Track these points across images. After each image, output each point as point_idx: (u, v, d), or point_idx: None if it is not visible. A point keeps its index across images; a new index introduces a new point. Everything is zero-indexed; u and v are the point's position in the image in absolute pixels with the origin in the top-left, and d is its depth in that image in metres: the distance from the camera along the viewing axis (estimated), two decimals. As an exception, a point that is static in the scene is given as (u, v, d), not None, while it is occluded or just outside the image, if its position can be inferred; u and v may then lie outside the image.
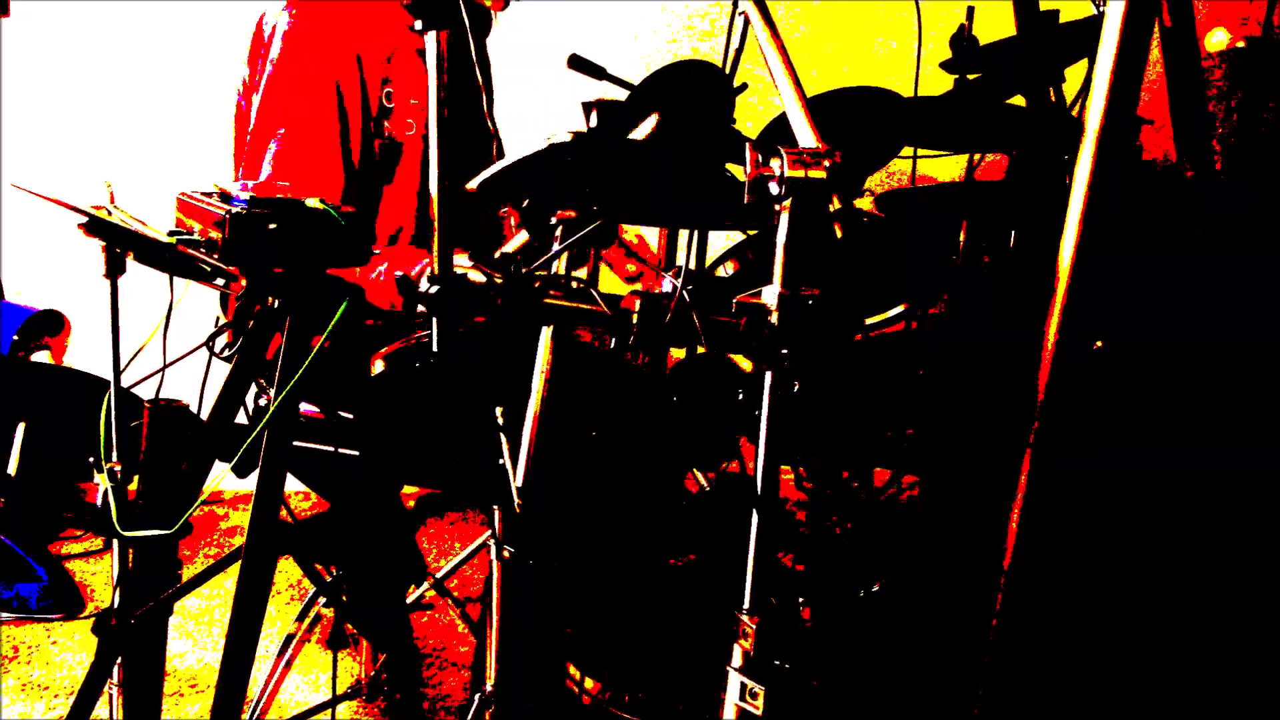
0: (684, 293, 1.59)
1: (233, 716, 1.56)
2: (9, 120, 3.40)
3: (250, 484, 1.53)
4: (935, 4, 2.39)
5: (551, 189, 1.75)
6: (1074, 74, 2.27)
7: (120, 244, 1.58)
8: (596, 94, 2.09)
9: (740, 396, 1.73)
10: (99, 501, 1.60)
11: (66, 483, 2.92)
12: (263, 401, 1.93)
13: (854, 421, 2.01)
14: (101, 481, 1.60)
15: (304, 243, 1.45)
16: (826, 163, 1.32)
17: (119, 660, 1.66)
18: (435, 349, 1.53)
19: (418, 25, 1.52)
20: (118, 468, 1.61)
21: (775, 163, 1.32)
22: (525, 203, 1.77)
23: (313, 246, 1.46)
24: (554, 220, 1.81)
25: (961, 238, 2.20)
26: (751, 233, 2.21)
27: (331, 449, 1.76)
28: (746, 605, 1.35)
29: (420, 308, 1.53)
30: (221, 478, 1.56)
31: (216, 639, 2.79)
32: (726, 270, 2.17)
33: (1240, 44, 3.05)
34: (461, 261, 1.64)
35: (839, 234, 1.45)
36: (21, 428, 2.21)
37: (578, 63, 2.38)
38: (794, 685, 1.38)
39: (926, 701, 1.81)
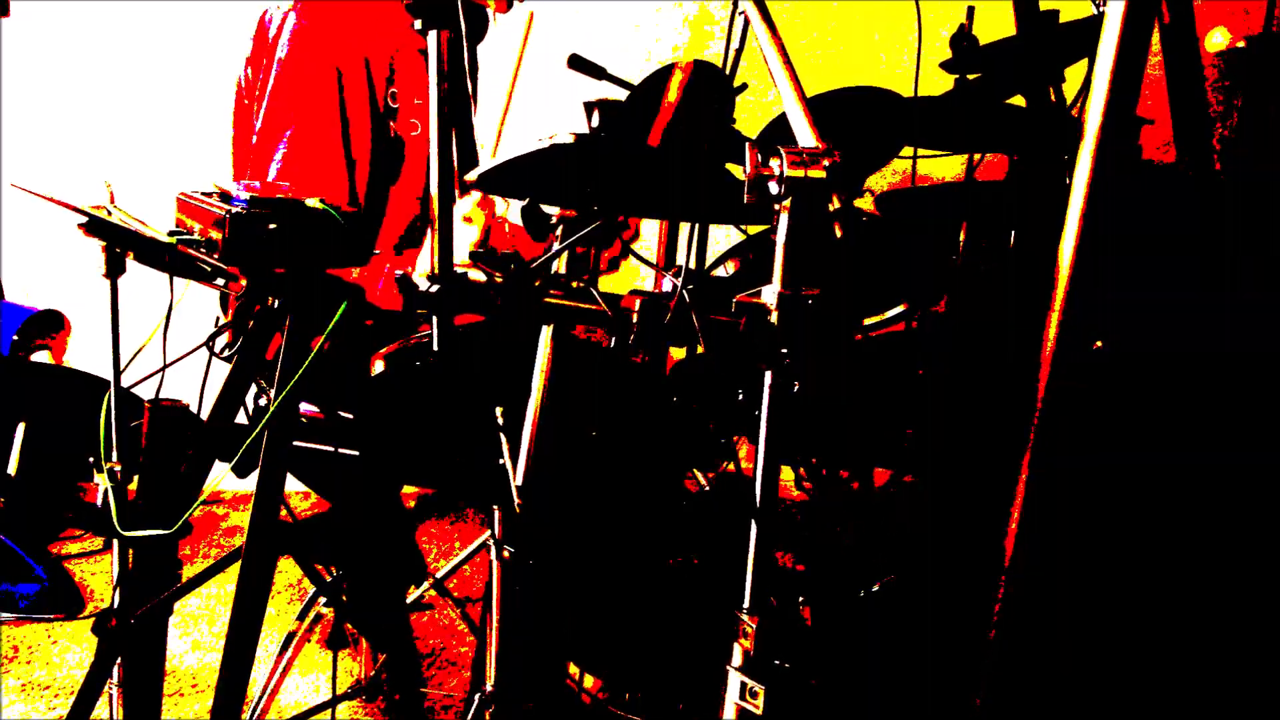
0: (684, 293, 1.59)
1: (233, 716, 1.56)
2: (9, 120, 3.40)
3: (250, 484, 1.53)
4: (935, 4, 2.40)
5: (552, 188, 1.75)
6: (1074, 74, 2.27)
7: (120, 244, 1.58)
8: (597, 94, 2.09)
9: (740, 396, 1.73)
10: (99, 501, 1.60)
11: (66, 483, 2.93)
12: (263, 401, 1.93)
13: (854, 421, 2.01)
14: (101, 481, 1.60)
15: (304, 243, 1.45)
16: (826, 162, 1.32)
17: (119, 660, 1.66)
18: (435, 349, 1.52)
19: (418, 24, 1.52)
20: (118, 468, 1.61)
21: (775, 162, 1.32)
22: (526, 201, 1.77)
23: (313, 246, 1.46)
24: (554, 219, 1.81)
25: (961, 238, 2.20)
26: (752, 231, 2.21)
27: (331, 449, 1.76)
28: (746, 605, 1.35)
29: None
30: (221, 478, 1.56)
31: (216, 639, 2.79)
32: (726, 270, 2.17)
33: (1240, 44, 3.05)
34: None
35: (839, 234, 1.45)
36: (21, 428, 2.21)
37: (578, 63, 2.38)
38: (794, 685, 1.38)
39: (926, 701, 1.81)
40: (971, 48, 2.45)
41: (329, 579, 2.00)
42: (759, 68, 1.55)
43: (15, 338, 3.11)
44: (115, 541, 1.68)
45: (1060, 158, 2.14)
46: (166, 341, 1.60)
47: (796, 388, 1.36)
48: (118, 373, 1.62)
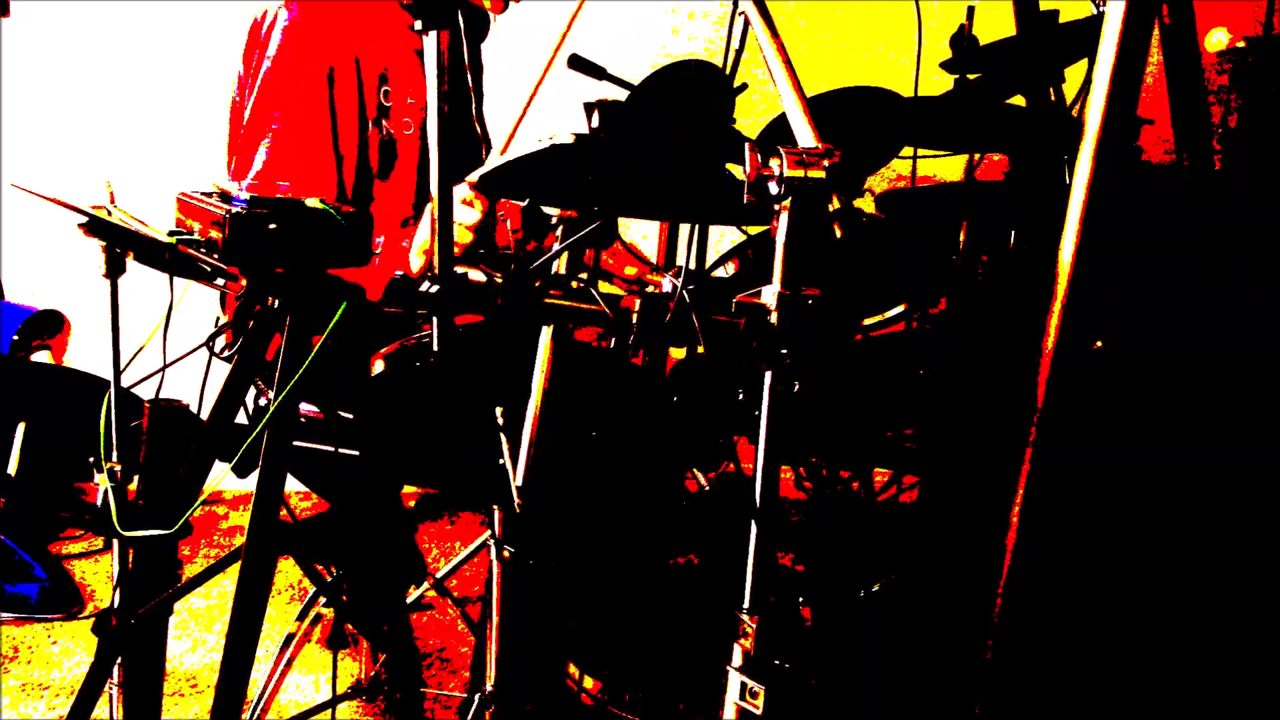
0: (684, 293, 1.59)
1: (233, 716, 1.56)
2: (9, 120, 3.40)
3: (250, 484, 1.53)
4: (935, 4, 2.40)
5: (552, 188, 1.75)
6: (1074, 74, 2.27)
7: (120, 244, 1.58)
8: (597, 94, 2.09)
9: (740, 396, 1.73)
10: (99, 501, 1.60)
11: (66, 483, 2.93)
12: (263, 401, 1.93)
13: (854, 421, 2.01)
14: (101, 481, 1.60)
15: (304, 243, 1.45)
16: (826, 163, 1.32)
17: (119, 660, 1.66)
18: (435, 349, 1.52)
19: (417, 25, 1.52)
20: (118, 468, 1.61)
21: (775, 163, 1.32)
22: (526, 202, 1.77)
23: (313, 246, 1.46)
24: (554, 219, 1.81)
25: (961, 238, 2.20)
26: (752, 231, 2.21)
27: (331, 449, 1.76)
28: (746, 605, 1.35)
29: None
30: (221, 478, 1.56)
31: (216, 639, 2.79)
32: (726, 270, 2.17)
33: (1240, 44, 3.05)
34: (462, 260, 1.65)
35: (839, 234, 1.45)
36: (21, 428, 2.21)
37: (578, 63, 2.38)
38: (794, 685, 1.38)
39: (926, 701, 1.81)
40: (971, 48, 2.45)
41: (329, 579, 2.00)
42: (758, 67, 1.55)
43: (15, 338, 3.12)
44: (115, 541, 1.68)
45: (1060, 158, 2.14)
46: (166, 341, 1.60)
47: (796, 388, 1.36)
48: (118, 373, 1.62)
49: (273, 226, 1.43)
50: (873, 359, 2.15)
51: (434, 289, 1.50)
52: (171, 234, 1.51)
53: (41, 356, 3.15)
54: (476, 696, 1.71)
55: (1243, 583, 1.77)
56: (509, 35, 2.51)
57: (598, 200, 1.77)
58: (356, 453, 1.77)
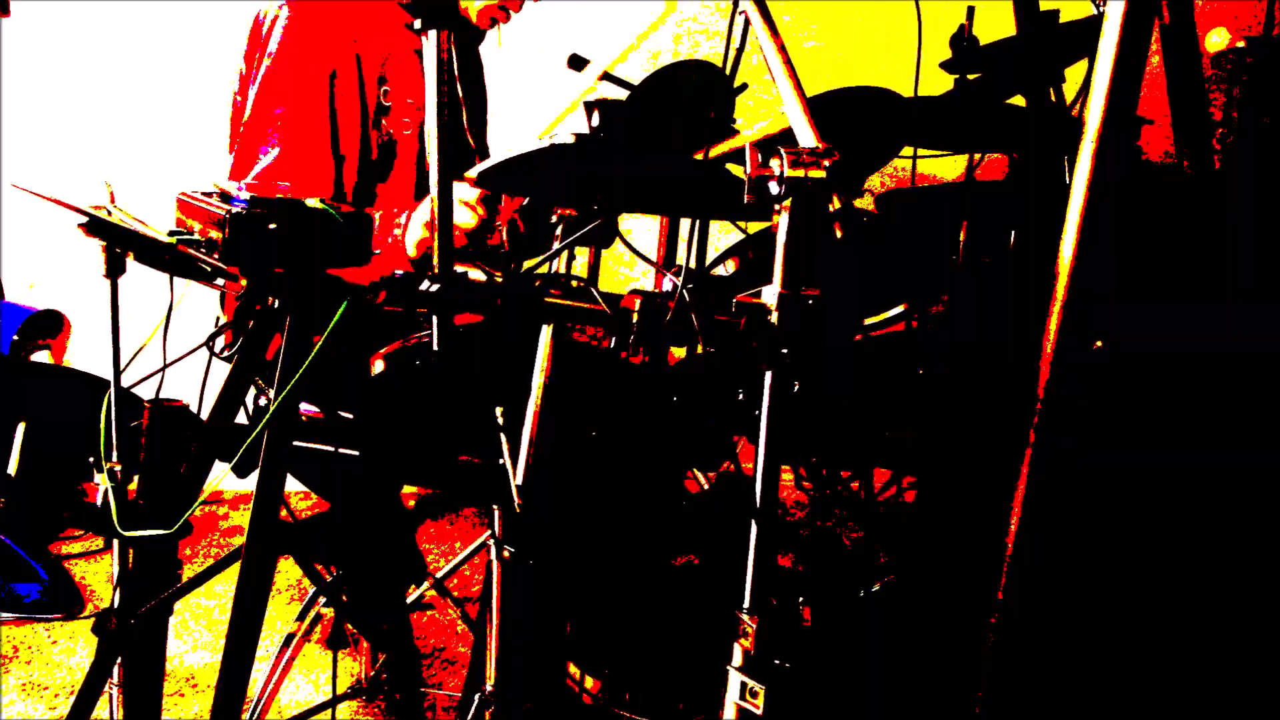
0: (684, 292, 1.59)
1: (233, 716, 1.56)
2: (9, 120, 3.40)
3: (250, 484, 1.53)
4: (935, 4, 2.39)
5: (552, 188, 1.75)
6: (1074, 74, 2.26)
7: (120, 244, 1.58)
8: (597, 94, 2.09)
9: (740, 396, 1.73)
10: (99, 501, 1.60)
11: (66, 483, 2.93)
12: (263, 401, 1.94)
13: (854, 421, 2.01)
14: (101, 481, 1.60)
15: (304, 243, 1.45)
16: (826, 163, 1.32)
17: (119, 660, 1.66)
18: (435, 349, 1.52)
19: (417, 24, 1.52)
20: (118, 468, 1.61)
21: (775, 163, 1.32)
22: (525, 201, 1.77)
23: (313, 246, 1.46)
24: (554, 219, 1.81)
25: (961, 238, 2.20)
26: (752, 229, 2.21)
27: (331, 449, 1.76)
28: (746, 605, 1.35)
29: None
30: (221, 478, 1.56)
31: (216, 639, 2.79)
32: (726, 269, 2.17)
33: (1240, 44, 3.05)
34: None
35: (839, 234, 1.45)
36: (21, 428, 2.21)
37: (578, 62, 2.38)
38: (794, 685, 1.38)
39: (926, 701, 1.81)
40: (971, 48, 2.45)
41: (329, 579, 2.00)
42: (759, 68, 1.55)
43: (15, 338, 3.11)
44: (115, 541, 1.68)
45: (1060, 158, 2.14)
46: (166, 341, 1.60)
47: (796, 388, 1.36)
48: (118, 373, 1.62)
49: (273, 226, 1.43)
50: (873, 359, 2.15)
51: (434, 288, 1.50)
52: (171, 234, 1.51)
53: (41, 356, 3.15)
54: (476, 696, 1.71)
55: (1243, 583, 1.77)
56: (508, 34, 2.51)
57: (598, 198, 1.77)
58: (356, 453, 1.77)
